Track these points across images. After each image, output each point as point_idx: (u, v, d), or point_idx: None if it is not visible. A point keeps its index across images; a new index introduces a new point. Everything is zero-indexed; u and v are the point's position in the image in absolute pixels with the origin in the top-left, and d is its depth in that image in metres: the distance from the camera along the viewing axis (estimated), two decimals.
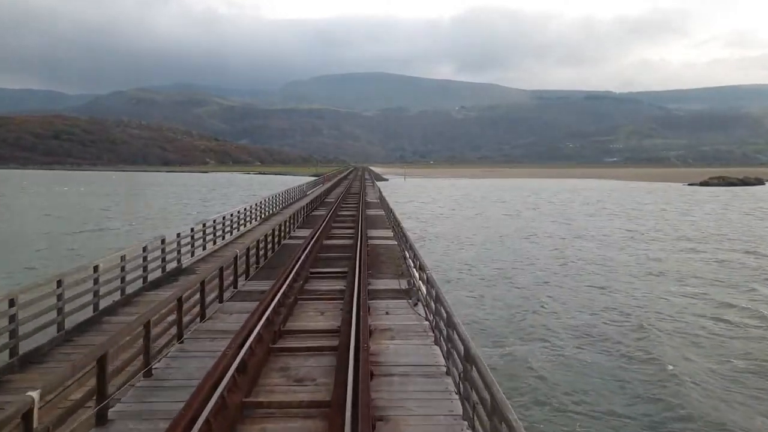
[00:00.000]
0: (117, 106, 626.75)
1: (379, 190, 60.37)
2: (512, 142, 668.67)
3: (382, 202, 43.23)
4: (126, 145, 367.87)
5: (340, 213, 35.70)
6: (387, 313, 12.01)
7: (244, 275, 15.87)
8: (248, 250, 16.67)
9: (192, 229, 20.05)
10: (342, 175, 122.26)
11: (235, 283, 14.68)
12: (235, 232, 25.58)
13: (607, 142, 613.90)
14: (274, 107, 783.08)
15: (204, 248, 20.79)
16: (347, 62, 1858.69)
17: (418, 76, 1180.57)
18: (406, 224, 25.19)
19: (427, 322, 11.10)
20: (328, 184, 74.52)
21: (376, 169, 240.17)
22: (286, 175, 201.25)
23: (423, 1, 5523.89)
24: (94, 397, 6.85)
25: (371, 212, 36.77)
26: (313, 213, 36.84)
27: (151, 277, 15.45)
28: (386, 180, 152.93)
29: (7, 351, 9.22)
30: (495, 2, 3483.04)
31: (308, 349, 9.55)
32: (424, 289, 12.06)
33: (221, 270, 13.29)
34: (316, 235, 22.78)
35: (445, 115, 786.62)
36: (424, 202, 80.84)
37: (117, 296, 13.40)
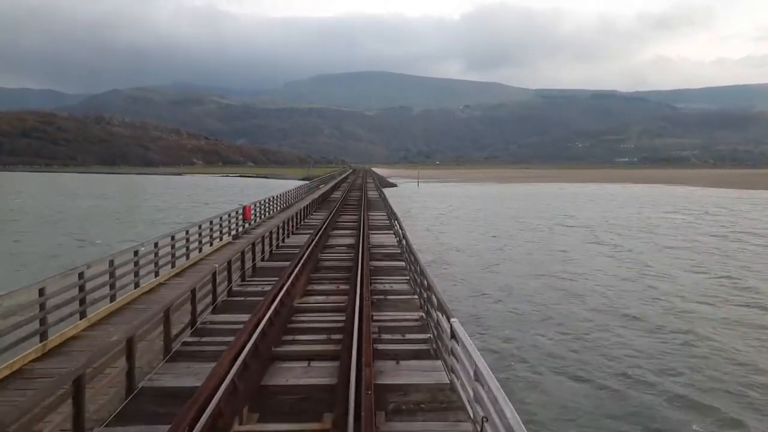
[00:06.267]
0: (113, 105, 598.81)
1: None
2: (518, 142, 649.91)
3: None
4: (105, 144, 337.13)
5: None
6: None
7: None
8: None
9: None
10: (327, 187, 65.48)
11: None
12: None
13: (618, 142, 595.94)
14: (275, 107, 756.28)
15: None
16: (349, 61, 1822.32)
17: (420, 75, 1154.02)
18: None
19: None
20: (260, 230, 24.64)
21: (380, 171, 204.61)
22: (269, 178, 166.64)
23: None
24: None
25: None
26: None
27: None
28: (395, 186, 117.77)
29: None
30: None
31: None
32: None
33: None
34: None
35: (448, 115, 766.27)
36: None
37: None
